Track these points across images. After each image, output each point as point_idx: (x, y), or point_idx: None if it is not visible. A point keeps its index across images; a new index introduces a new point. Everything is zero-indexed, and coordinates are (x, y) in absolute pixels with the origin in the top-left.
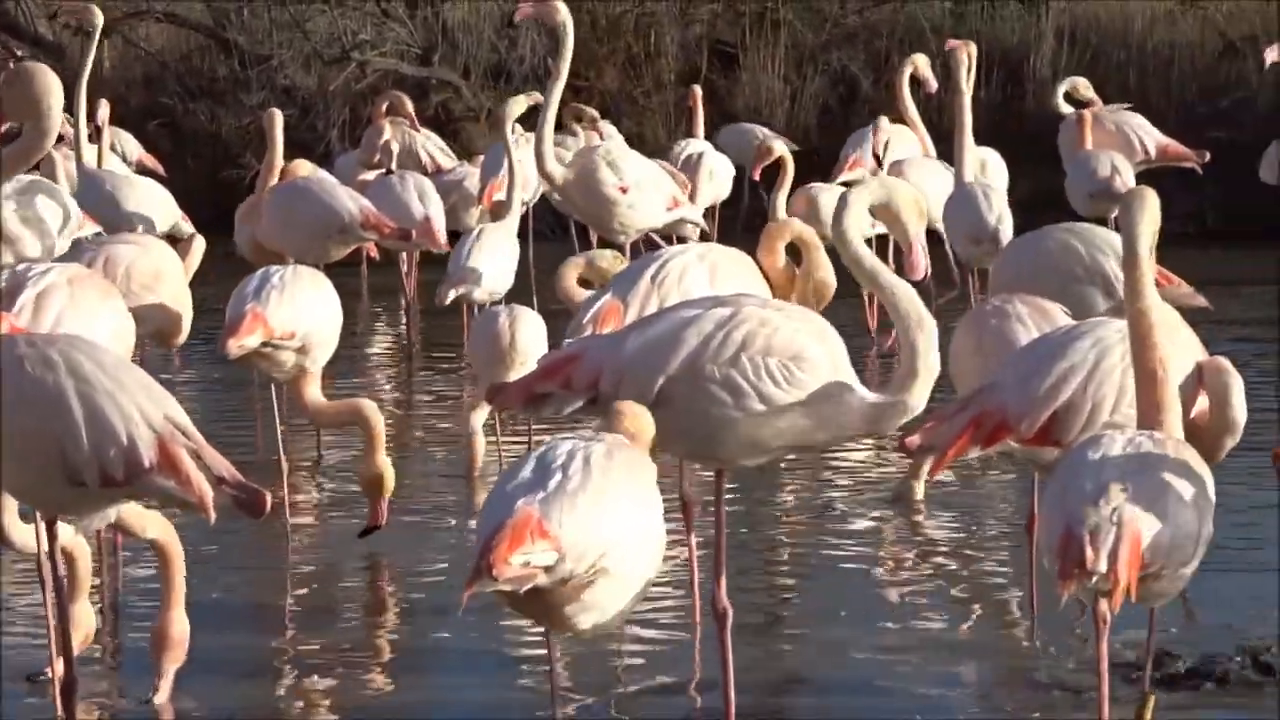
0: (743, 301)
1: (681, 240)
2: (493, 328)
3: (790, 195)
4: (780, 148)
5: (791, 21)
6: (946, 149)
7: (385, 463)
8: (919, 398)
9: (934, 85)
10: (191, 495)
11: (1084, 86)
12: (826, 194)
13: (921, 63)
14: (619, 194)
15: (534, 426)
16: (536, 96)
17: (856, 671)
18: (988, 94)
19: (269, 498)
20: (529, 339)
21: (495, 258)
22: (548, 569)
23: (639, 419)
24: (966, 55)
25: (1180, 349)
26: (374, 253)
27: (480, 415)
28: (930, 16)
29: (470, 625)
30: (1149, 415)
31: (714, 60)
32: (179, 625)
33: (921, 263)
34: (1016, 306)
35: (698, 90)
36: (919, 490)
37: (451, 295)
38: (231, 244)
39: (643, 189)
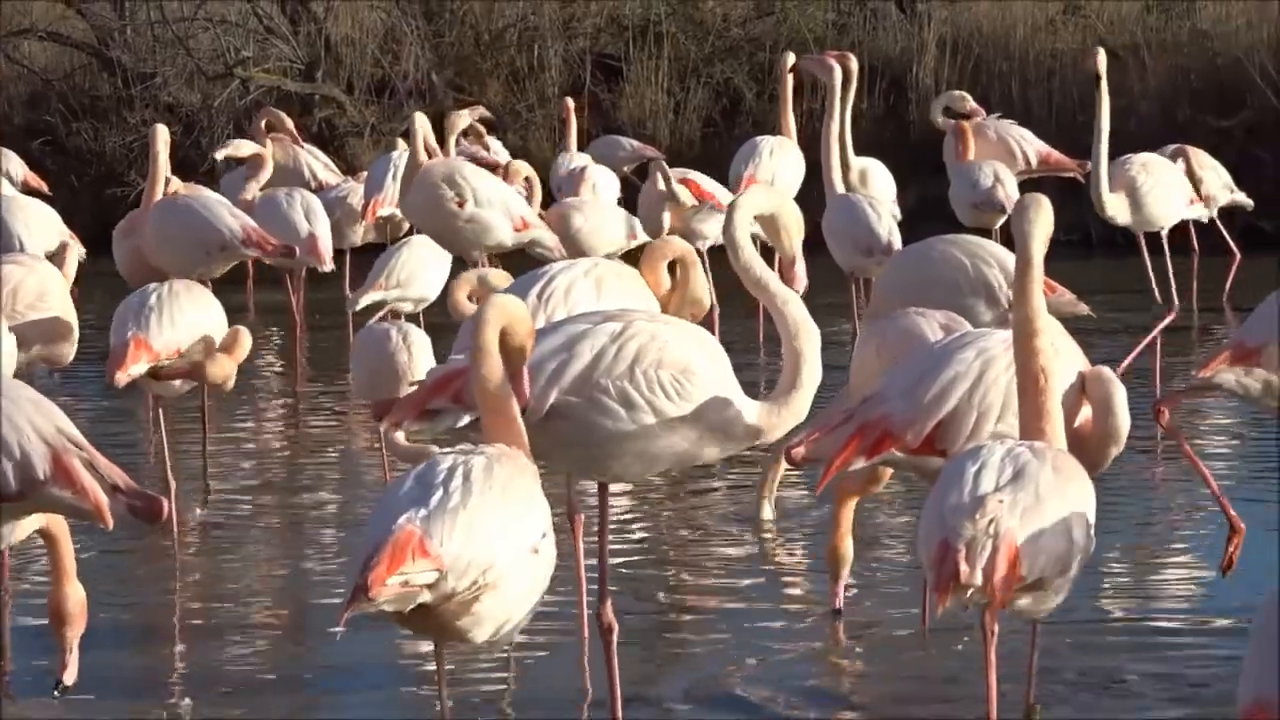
0: (631, 315)
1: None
2: (385, 345)
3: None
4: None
5: (675, 34)
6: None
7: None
8: (802, 407)
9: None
10: (88, 504)
11: (961, 99)
12: (577, 213)
13: (792, 60)
14: (456, 209)
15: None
16: (481, 110)
17: (744, 684)
18: (871, 105)
19: (166, 504)
20: (422, 356)
21: (426, 267)
22: (430, 586)
23: (508, 308)
24: (841, 68)
25: (1063, 358)
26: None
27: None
28: (813, 28)
29: (359, 641)
30: (1031, 424)
31: (598, 73)
32: (75, 596)
33: (803, 275)
34: (917, 317)
35: (570, 103)
36: (767, 510)
37: (366, 301)
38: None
39: (487, 207)
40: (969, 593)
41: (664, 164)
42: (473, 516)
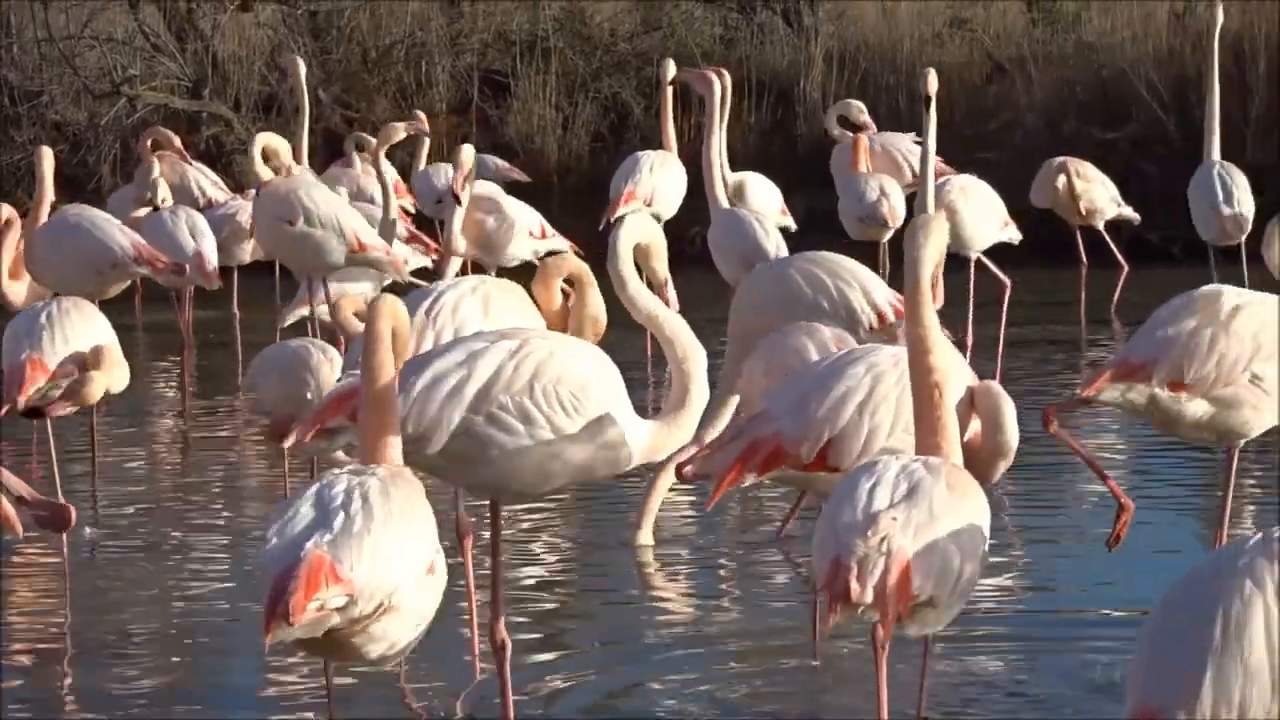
0: (528, 333)
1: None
2: (307, 360)
3: None
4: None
5: (562, 49)
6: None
7: None
8: (690, 426)
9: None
10: None
11: (858, 110)
12: (491, 217)
13: (672, 69)
14: (286, 227)
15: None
16: (421, 122)
17: (641, 701)
18: (759, 118)
19: (73, 511)
20: (337, 373)
21: (358, 282)
22: (339, 610)
23: (396, 308)
24: (719, 83)
25: (951, 373)
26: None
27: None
28: (700, 42)
29: (250, 660)
30: (927, 440)
31: (485, 89)
32: None
33: (674, 297)
34: (805, 334)
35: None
36: (642, 537)
37: (295, 317)
38: None
39: (319, 227)
40: (860, 610)
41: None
42: (377, 540)
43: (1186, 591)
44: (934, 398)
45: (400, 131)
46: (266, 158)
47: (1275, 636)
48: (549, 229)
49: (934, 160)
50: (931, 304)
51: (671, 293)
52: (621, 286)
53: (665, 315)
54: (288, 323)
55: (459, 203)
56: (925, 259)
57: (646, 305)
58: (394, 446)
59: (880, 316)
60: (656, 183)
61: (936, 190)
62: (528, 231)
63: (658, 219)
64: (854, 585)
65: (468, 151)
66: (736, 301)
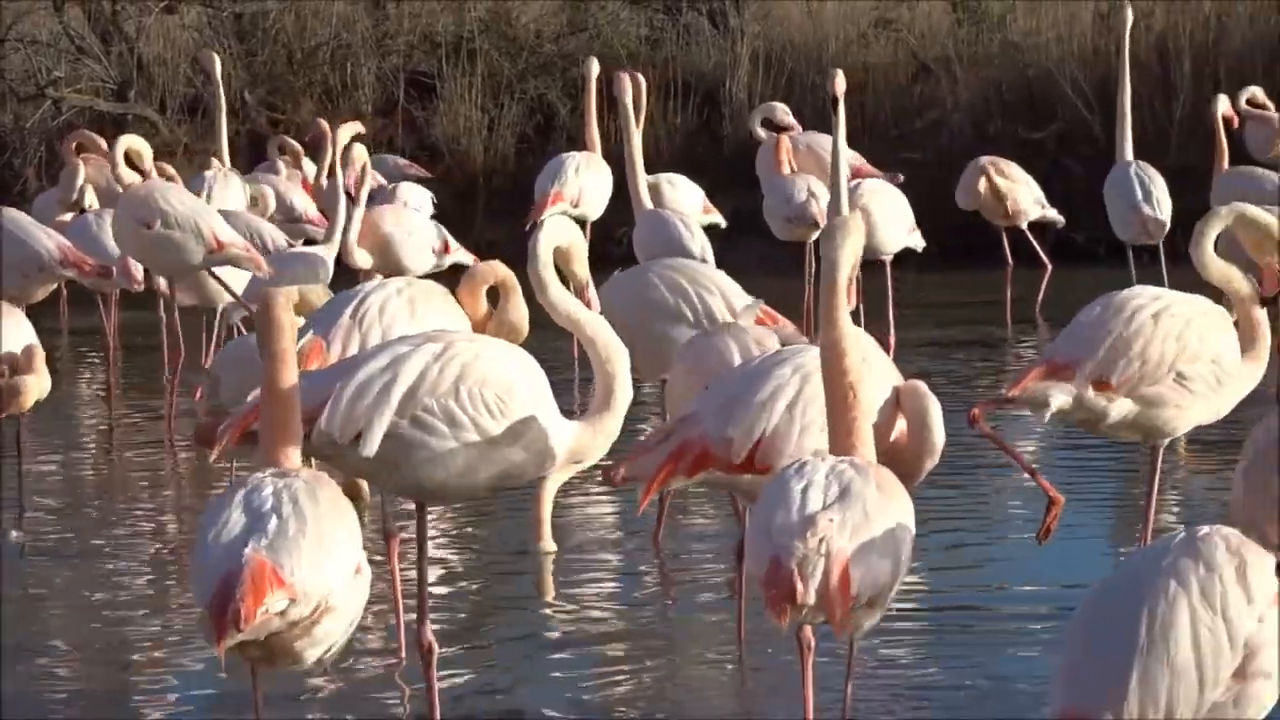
0: (452, 336)
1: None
2: None
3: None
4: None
5: (488, 51)
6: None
7: None
8: (615, 427)
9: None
10: None
11: (782, 111)
12: (390, 219)
13: (596, 69)
14: (144, 230)
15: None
16: (319, 129)
17: (570, 703)
18: (685, 119)
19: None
20: None
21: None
22: (280, 614)
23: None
24: (632, 85)
25: (877, 374)
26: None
27: None
28: (626, 43)
29: (180, 664)
30: (841, 441)
31: (411, 90)
32: None
33: (595, 303)
34: (730, 336)
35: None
36: (545, 545)
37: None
38: None
39: (176, 229)
40: (804, 612)
41: None
42: (312, 543)
43: (1112, 591)
44: (848, 400)
45: (351, 130)
46: (130, 161)
47: (1201, 636)
48: (453, 244)
49: (845, 162)
50: (847, 307)
51: (592, 294)
52: (542, 290)
53: (587, 318)
54: (240, 317)
55: (355, 202)
56: (843, 261)
57: (567, 308)
58: (294, 451)
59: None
60: (583, 184)
61: (852, 193)
62: (429, 248)
63: (584, 220)
64: (799, 585)
65: (359, 150)
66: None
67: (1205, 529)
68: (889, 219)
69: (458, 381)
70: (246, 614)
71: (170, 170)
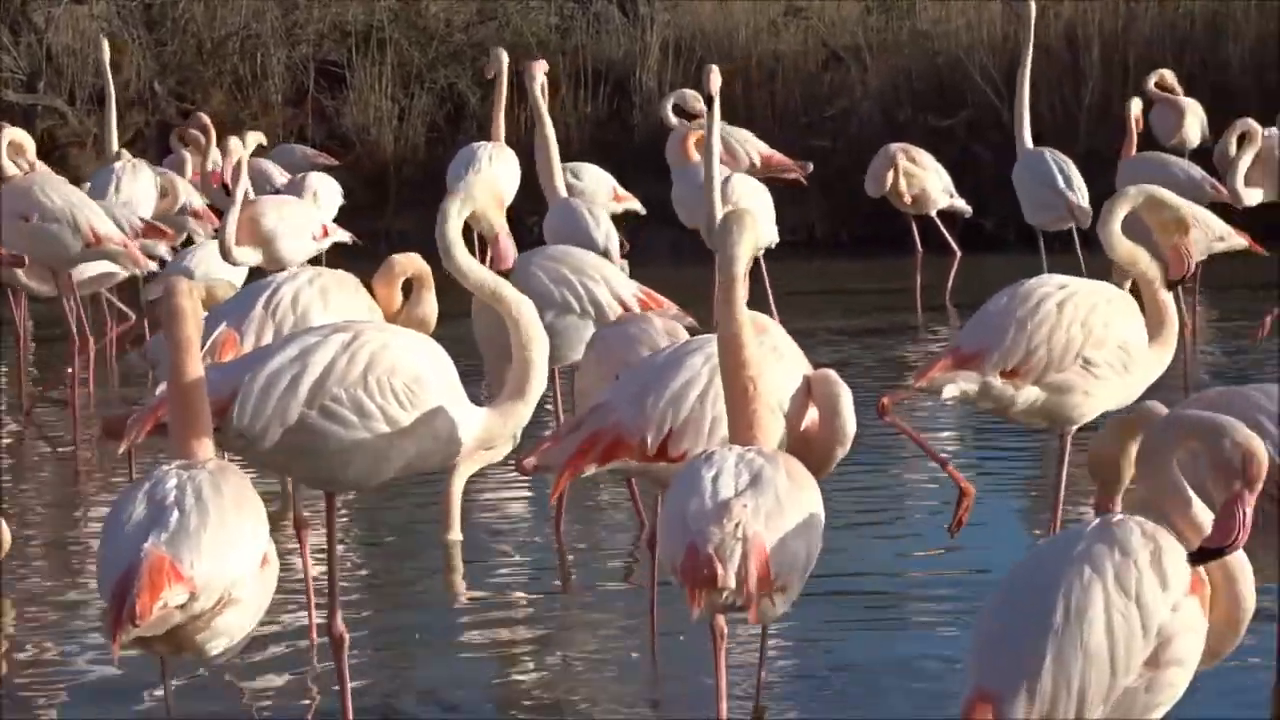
0: (361, 326)
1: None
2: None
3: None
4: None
5: (398, 40)
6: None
7: None
8: (525, 413)
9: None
10: None
11: (693, 98)
12: (271, 212)
13: (504, 59)
14: (22, 224)
15: None
16: (200, 121)
17: (481, 691)
18: (595, 108)
19: None
20: None
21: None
22: (181, 607)
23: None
24: (541, 73)
25: (787, 362)
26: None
27: None
28: (535, 32)
29: (86, 658)
30: (742, 434)
31: (321, 80)
32: None
33: (510, 251)
34: (640, 325)
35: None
36: (452, 534)
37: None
38: None
39: (53, 222)
40: (724, 595)
41: None
42: (214, 535)
43: (1026, 576)
44: (749, 392)
45: (254, 139)
46: (14, 153)
47: (1115, 621)
48: (331, 227)
49: (719, 157)
50: (743, 301)
51: (508, 245)
52: (449, 256)
53: (512, 296)
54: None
55: (229, 194)
56: (740, 254)
57: (479, 277)
58: (204, 441)
59: (626, 310)
60: (495, 174)
61: (722, 188)
62: (309, 235)
63: None
64: (718, 569)
65: (235, 142)
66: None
67: (1119, 516)
68: (763, 213)
69: (366, 371)
70: (143, 609)
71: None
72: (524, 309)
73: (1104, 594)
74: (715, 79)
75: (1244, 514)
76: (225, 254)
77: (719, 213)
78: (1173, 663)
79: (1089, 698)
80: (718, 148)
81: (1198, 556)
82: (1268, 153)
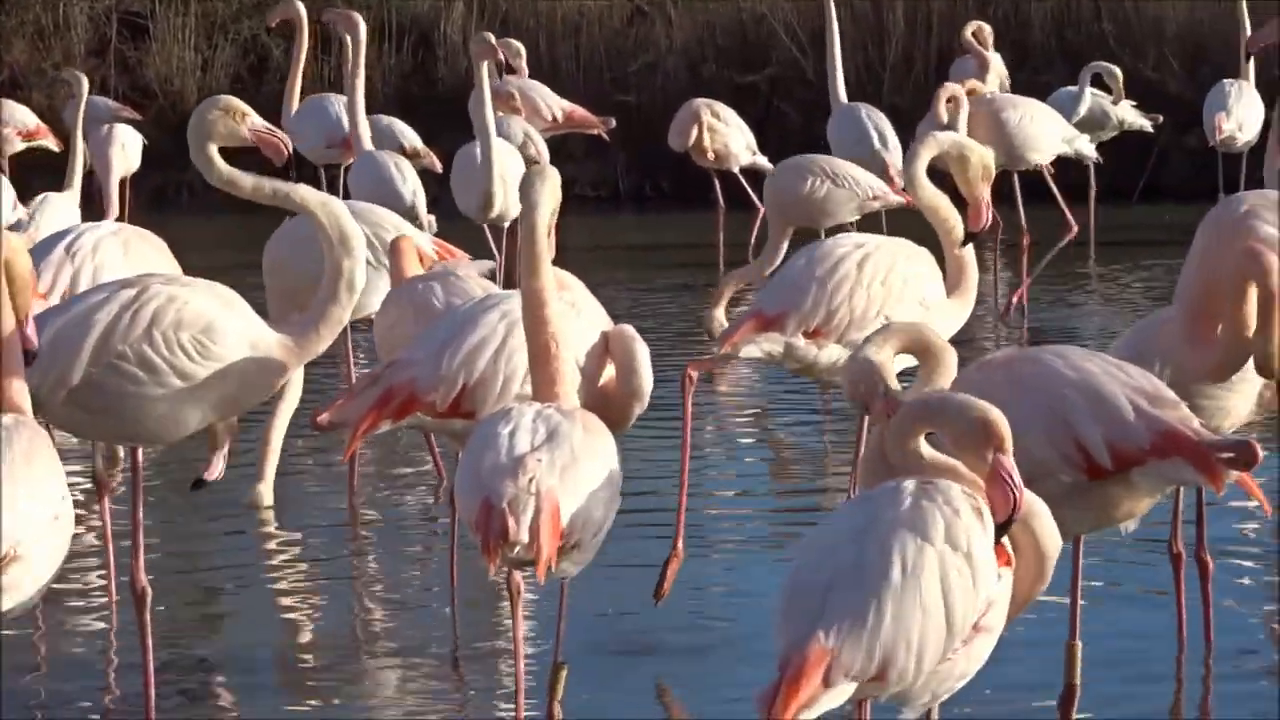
0: (149, 280)
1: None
2: None
3: None
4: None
5: None
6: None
7: None
8: (342, 316)
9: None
10: None
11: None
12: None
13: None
14: None
15: None
16: None
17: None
18: (399, 61)
19: None
20: None
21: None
22: None
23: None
24: (349, 25)
25: (586, 317)
26: None
27: None
28: None
29: None
30: (544, 390)
31: (124, 31)
32: None
33: (288, 140)
34: (439, 279)
35: None
36: (266, 497)
37: None
38: None
39: None
40: (515, 550)
41: None
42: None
43: (840, 537)
44: (551, 349)
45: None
46: None
47: (950, 577)
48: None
49: (492, 124)
50: (548, 256)
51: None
52: (207, 171)
53: (318, 198)
54: None
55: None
56: (542, 209)
57: (270, 190)
58: (20, 391)
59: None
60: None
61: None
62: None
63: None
64: (510, 523)
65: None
66: (269, 260)
67: (929, 480)
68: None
69: (150, 327)
70: None
71: None
72: (335, 207)
73: (938, 553)
74: (489, 41)
75: (1010, 475)
76: None
77: (495, 178)
78: (986, 629)
79: (926, 655)
80: (491, 119)
81: (997, 531)
82: (992, 116)
